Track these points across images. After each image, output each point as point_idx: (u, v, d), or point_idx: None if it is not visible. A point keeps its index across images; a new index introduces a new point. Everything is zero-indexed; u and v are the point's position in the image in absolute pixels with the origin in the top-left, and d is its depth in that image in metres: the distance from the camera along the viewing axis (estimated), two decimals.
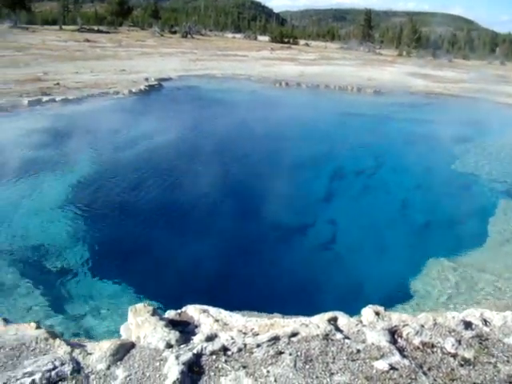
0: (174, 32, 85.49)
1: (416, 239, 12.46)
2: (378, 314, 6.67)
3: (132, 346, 5.76)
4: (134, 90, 26.22)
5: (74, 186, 13.87)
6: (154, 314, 6.18)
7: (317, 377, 5.33)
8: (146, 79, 29.95)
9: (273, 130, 21.88)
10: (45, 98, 22.38)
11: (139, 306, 6.36)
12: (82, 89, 25.34)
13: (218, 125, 22.21)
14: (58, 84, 25.98)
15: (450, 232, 12.76)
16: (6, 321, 6.30)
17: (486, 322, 6.57)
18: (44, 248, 10.52)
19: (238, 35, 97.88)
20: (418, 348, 5.89)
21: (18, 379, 5.13)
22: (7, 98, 21.87)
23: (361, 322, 6.55)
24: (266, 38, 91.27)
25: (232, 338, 5.92)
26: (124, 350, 5.62)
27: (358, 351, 5.79)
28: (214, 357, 5.65)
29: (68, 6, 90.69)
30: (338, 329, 6.32)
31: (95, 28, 79.32)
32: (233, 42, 77.21)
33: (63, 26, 77.14)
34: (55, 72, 30.47)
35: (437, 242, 12.16)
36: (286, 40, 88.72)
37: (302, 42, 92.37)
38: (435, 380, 5.28)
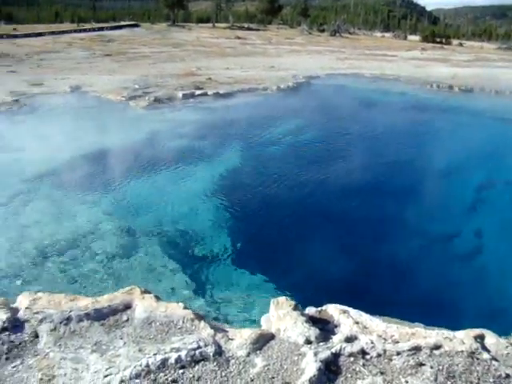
0: (323, 30, 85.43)
1: None
2: None
3: (272, 337, 5.83)
4: (282, 87, 26.67)
5: (222, 176, 14.47)
6: (295, 308, 6.20)
7: None
8: (294, 76, 30.29)
9: (430, 138, 20.51)
10: (197, 92, 23.66)
11: (281, 299, 6.43)
12: (233, 84, 26.37)
13: (368, 126, 21.61)
14: (209, 79, 27.32)
15: None
16: (158, 298, 6.71)
17: None
18: (190, 234, 11.09)
19: (387, 34, 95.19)
20: None
21: (166, 352, 5.44)
22: (164, 90, 23.51)
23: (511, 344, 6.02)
24: (417, 38, 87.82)
25: (372, 342, 5.75)
26: (264, 340, 5.71)
27: (508, 376, 5.31)
28: (351, 358, 5.53)
29: (221, 5, 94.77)
30: (484, 348, 5.85)
31: (245, 26, 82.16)
32: (382, 41, 75.30)
33: (216, 24, 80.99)
34: (207, 67, 32.11)
35: None
36: (437, 40, 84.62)
37: (455, 41, 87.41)
38: None
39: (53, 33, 57.23)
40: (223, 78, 28.24)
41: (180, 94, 22.78)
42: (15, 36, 53.52)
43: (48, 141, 16.33)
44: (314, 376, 5.14)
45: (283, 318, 6.03)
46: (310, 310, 6.48)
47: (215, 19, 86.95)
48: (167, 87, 24.34)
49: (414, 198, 13.58)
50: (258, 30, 78.64)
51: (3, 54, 37.97)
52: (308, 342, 5.70)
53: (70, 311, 6.45)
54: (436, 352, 5.76)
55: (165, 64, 32.74)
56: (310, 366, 5.26)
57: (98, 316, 6.36)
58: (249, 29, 78.11)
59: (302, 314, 6.17)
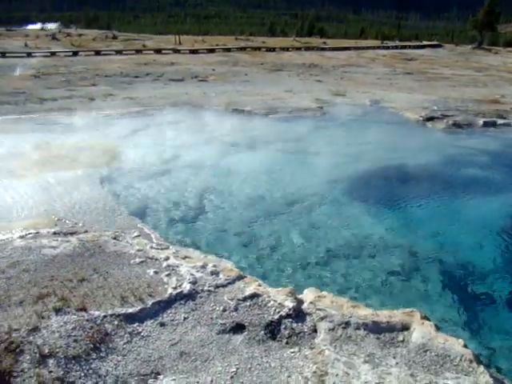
0: None
1: None
2: None
3: None
4: None
5: None
6: None
7: None
8: None
9: None
10: (500, 121, 22.06)
11: None
12: None
13: None
14: None
15: None
16: (437, 328, 6.50)
17: None
18: (471, 268, 10.42)
19: None
20: None
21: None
22: (464, 115, 22.54)
23: None
24: None
25: None
26: None
27: None
28: None
29: None
30: None
31: None
32: None
33: None
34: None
35: None
36: None
37: None
38: None
39: (357, 48, 60.35)
40: None
41: (481, 122, 21.60)
42: (324, 49, 58.18)
43: (345, 148, 17.40)
44: None
45: None
46: None
47: None
48: (467, 112, 23.29)
49: None
50: None
51: (313, 65, 41.46)
52: None
53: (350, 317, 6.68)
54: None
55: (466, 88, 31.38)
56: None
57: (376, 329, 6.45)
58: None
59: None
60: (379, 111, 23.40)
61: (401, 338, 6.30)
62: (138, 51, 49.93)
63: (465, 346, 6.07)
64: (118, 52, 48.36)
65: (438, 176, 15.69)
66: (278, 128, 20.40)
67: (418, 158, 17.05)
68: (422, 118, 21.77)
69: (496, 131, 21.04)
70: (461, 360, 5.84)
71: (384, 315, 6.62)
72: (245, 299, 7.20)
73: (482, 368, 5.69)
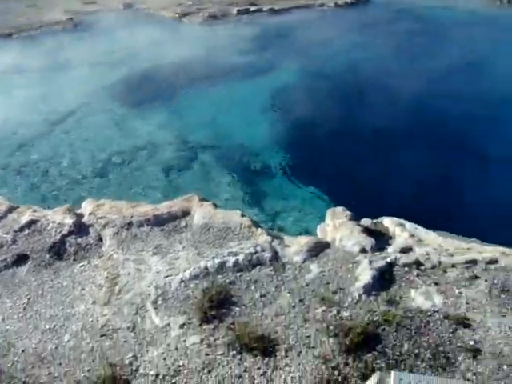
0: None
1: None
2: None
3: (327, 245, 5.93)
4: (339, 3, 25.40)
5: (278, 91, 14.20)
6: (351, 218, 6.25)
7: None
8: None
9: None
10: (252, 8, 22.95)
11: (338, 209, 6.47)
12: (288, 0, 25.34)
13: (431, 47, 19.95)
14: None
15: None
16: (216, 206, 6.88)
17: None
18: (245, 147, 11.11)
19: None
20: None
21: (224, 256, 5.65)
22: (218, 6, 22.93)
23: None
24: None
25: (427, 254, 5.77)
26: (319, 248, 5.83)
27: None
28: (406, 269, 5.60)
29: None
30: None
31: None
32: None
33: None
34: None
35: None
36: None
37: None
38: None
39: None
40: None
41: (235, 11, 22.30)
42: None
43: (103, 57, 16.61)
44: (369, 283, 5.24)
45: (339, 227, 6.09)
46: (366, 222, 6.50)
47: None
48: (221, 3, 23.67)
49: None
50: None
51: None
52: (363, 251, 5.77)
53: (132, 217, 6.72)
54: (491, 266, 5.72)
55: None
56: (365, 274, 5.34)
57: (158, 222, 6.60)
58: None
59: (358, 225, 6.22)
60: (134, 14, 22.60)
61: (183, 224, 6.59)
62: None
63: (242, 215, 6.59)
64: None
65: (199, 68, 15.87)
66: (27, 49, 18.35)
67: (177, 54, 16.95)
68: (177, 15, 21.72)
69: (250, 17, 21.95)
70: (241, 228, 6.35)
71: (164, 207, 6.80)
72: (22, 229, 6.76)
73: (260, 230, 6.27)
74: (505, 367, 4.52)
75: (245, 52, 17.41)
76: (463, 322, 4.92)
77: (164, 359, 4.73)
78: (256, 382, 4.43)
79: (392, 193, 9.39)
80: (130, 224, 6.59)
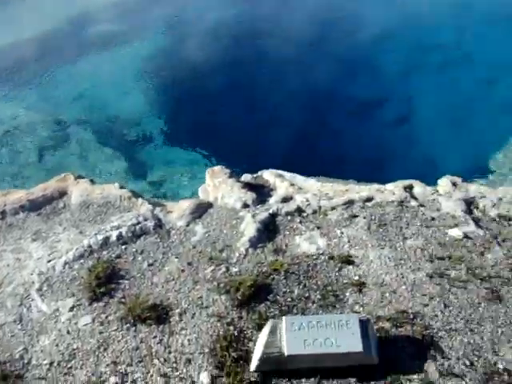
0: None
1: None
2: (454, 184, 6.47)
3: (210, 205, 5.96)
4: None
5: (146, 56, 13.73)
6: (230, 176, 6.32)
7: (390, 240, 5.37)
8: None
9: None
10: None
11: (217, 168, 6.50)
12: None
13: None
14: None
15: None
16: (93, 182, 6.66)
17: None
18: (121, 118, 10.81)
19: None
20: (494, 220, 5.75)
21: (106, 231, 5.51)
22: None
23: (437, 191, 6.39)
24: None
25: (307, 201, 5.98)
26: (202, 209, 5.84)
27: (433, 219, 5.73)
28: (289, 217, 5.77)
29: None
30: (413, 196, 6.22)
31: None
32: None
33: None
34: None
35: None
36: None
37: None
38: (509, 251, 5.20)
39: None
40: None
41: None
42: None
43: None
44: (254, 237, 5.35)
45: (219, 186, 6.14)
46: (246, 177, 6.59)
47: None
48: None
49: None
50: None
51: None
52: (245, 206, 5.87)
53: (5, 205, 6.32)
54: (368, 204, 6.05)
55: None
56: (249, 228, 5.45)
57: (34, 206, 6.27)
58: None
59: (238, 181, 6.30)
60: None
61: (61, 205, 6.32)
62: None
63: (121, 187, 6.43)
64: None
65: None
66: None
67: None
68: None
69: None
70: (121, 201, 6.21)
71: (39, 190, 6.47)
72: None
73: (140, 200, 6.17)
74: (387, 295, 4.80)
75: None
76: (347, 260, 5.14)
77: (57, 345, 4.56)
78: (153, 350, 4.41)
79: (272, 145, 9.62)
80: (3, 213, 6.22)
